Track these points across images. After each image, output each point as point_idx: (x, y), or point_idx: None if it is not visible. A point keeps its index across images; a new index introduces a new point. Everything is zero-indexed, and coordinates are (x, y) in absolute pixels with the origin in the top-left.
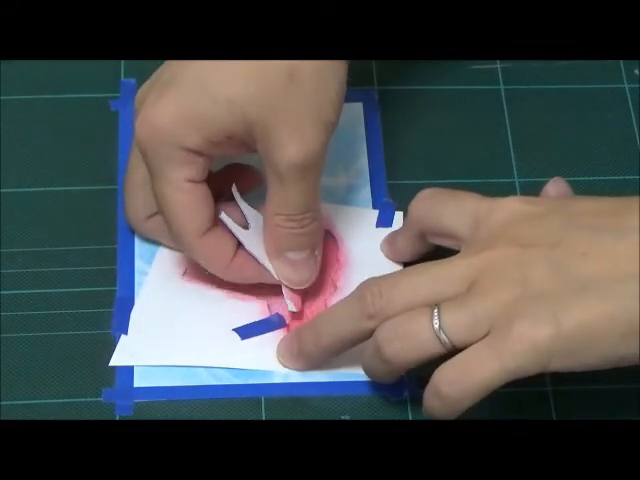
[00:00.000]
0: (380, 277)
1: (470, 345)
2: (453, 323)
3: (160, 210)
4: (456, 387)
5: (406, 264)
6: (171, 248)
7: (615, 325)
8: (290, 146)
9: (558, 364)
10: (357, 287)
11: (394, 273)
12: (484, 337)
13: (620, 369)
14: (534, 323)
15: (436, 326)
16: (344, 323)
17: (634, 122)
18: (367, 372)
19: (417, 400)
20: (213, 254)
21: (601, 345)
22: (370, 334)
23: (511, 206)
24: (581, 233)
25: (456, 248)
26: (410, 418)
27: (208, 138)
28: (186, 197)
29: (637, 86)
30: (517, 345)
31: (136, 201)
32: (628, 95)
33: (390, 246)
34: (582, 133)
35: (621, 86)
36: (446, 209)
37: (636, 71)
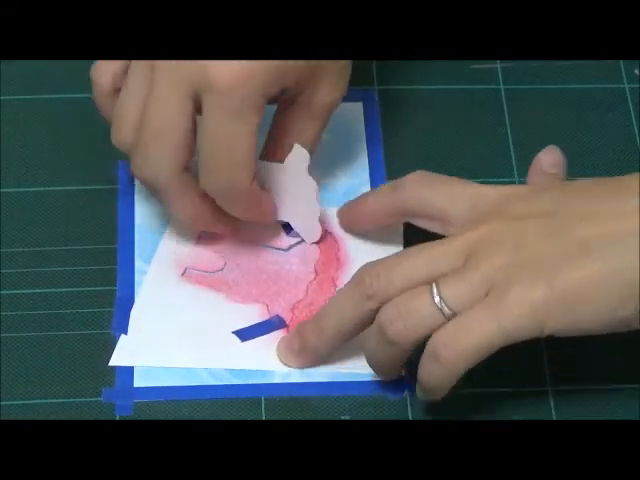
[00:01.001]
0: (377, 260)
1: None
2: (453, 294)
3: (223, 157)
4: (453, 349)
5: None
6: (168, 249)
7: (613, 283)
8: (333, 91)
9: (555, 325)
10: (354, 273)
11: (390, 256)
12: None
13: (619, 369)
14: (531, 284)
15: (437, 300)
16: (345, 309)
17: (634, 122)
18: (371, 361)
19: (417, 400)
20: (258, 196)
21: (598, 304)
22: (371, 316)
23: (506, 188)
24: (577, 202)
25: (440, 232)
26: (410, 418)
27: (285, 86)
28: (254, 144)
29: (637, 86)
30: (514, 305)
31: (180, 146)
32: (628, 95)
33: (359, 209)
34: (582, 133)
35: (621, 86)
36: (438, 191)
37: (636, 71)
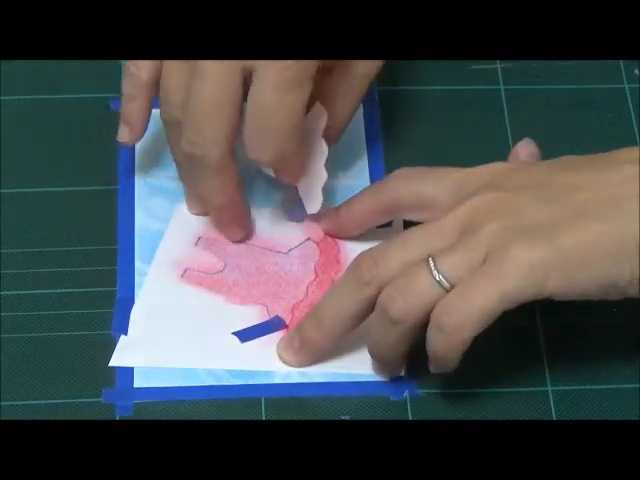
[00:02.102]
0: (371, 248)
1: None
2: (450, 266)
3: (277, 126)
4: (455, 316)
5: None
6: (168, 250)
7: (608, 244)
8: (369, 62)
9: (554, 286)
10: (350, 263)
11: (384, 241)
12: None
13: (619, 369)
14: (529, 245)
15: (435, 274)
16: (343, 298)
17: (634, 122)
18: (374, 350)
19: (417, 400)
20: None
21: (595, 265)
22: (370, 304)
23: (494, 166)
24: (569, 173)
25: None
26: (410, 418)
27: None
28: (304, 112)
29: (637, 86)
30: (513, 266)
31: (234, 120)
32: (628, 95)
33: (345, 214)
34: (582, 133)
35: (621, 86)
36: (425, 181)
37: (636, 71)
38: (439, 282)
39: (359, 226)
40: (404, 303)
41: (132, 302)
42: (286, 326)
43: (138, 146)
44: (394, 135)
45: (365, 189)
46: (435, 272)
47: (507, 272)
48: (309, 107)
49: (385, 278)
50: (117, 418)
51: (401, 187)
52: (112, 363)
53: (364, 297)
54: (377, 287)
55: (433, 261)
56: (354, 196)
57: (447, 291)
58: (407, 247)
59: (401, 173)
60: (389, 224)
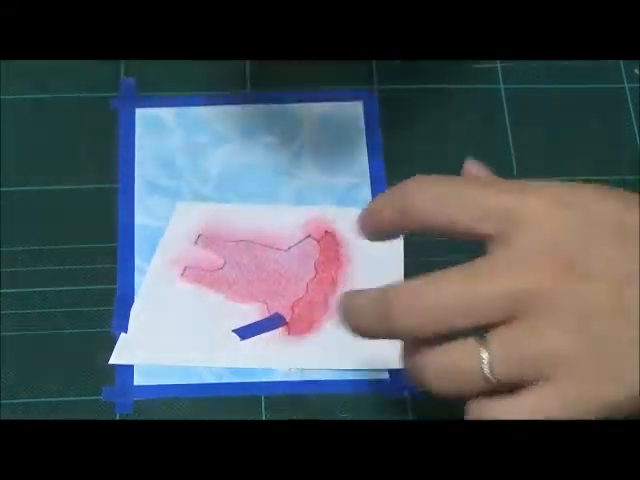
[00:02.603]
0: (407, 285)
1: (516, 383)
2: (502, 361)
3: None
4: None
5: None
6: (168, 248)
7: None
8: None
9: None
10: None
11: (421, 284)
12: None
13: None
14: (600, 381)
15: (486, 370)
16: (367, 315)
17: (634, 122)
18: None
19: (417, 400)
20: None
21: None
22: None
23: (545, 210)
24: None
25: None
26: (410, 418)
27: None
28: None
29: (637, 86)
30: (580, 402)
31: None
32: (628, 95)
33: (370, 222)
34: (582, 133)
35: (621, 86)
36: (460, 205)
37: (636, 71)
38: (486, 373)
39: (380, 231)
40: (445, 379)
41: (132, 300)
42: (286, 323)
43: (138, 145)
44: (394, 135)
45: (386, 201)
46: (485, 361)
47: (573, 405)
48: None
49: (418, 334)
50: (117, 416)
51: (432, 211)
52: (112, 361)
53: (389, 332)
54: (405, 336)
55: (485, 346)
56: (375, 204)
57: (490, 384)
58: (451, 309)
59: (428, 187)
60: None
